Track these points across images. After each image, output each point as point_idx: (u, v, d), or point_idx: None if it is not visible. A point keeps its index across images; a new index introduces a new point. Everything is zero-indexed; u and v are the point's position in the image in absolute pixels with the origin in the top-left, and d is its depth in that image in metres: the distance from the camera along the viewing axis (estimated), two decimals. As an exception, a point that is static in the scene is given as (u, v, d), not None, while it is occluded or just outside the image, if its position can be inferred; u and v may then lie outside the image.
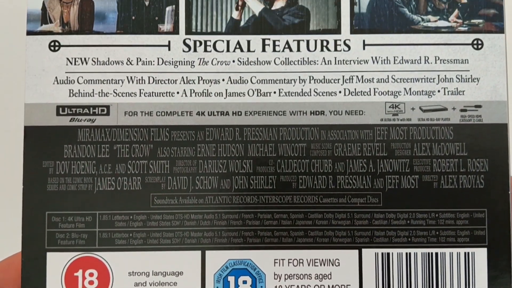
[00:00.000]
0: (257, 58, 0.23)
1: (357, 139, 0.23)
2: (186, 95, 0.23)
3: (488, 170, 0.23)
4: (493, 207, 0.23)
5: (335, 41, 0.23)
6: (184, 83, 0.23)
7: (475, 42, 0.24)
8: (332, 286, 0.23)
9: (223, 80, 0.23)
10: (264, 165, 0.23)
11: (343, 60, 0.23)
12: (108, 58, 0.23)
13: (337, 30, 0.23)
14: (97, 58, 0.23)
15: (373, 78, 0.23)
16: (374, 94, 0.23)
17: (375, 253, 0.23)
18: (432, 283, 0.23)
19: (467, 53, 0.23)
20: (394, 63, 0.23)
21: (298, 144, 0.23)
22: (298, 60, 0.23)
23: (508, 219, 0.23)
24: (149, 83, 0.23)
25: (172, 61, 0.23)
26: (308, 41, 0.23)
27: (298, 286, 0.23)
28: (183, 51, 0.23)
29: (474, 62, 0.23)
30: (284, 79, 0.23)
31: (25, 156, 0.23)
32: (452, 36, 0.23)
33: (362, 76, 0.23)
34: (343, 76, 0.23)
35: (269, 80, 0.23)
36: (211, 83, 0.23)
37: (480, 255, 0.23)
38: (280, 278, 0.23)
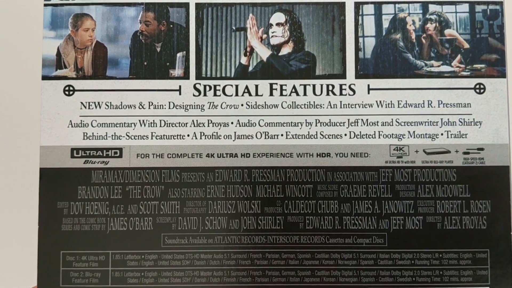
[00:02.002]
0: (265, 102, 0.25)
1: (362, 181, 0.24)
2: (196, 138, 0.25)
3: (491, 211, 0.24)
4: (495, 248, 0.24)
5: (341, 85, 0.25)
6: (194, 126, 0.25)
7: (477, 86, 0.25)
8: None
9: (232, 123, 0.25)
10: (272, 205, 0.24)
11: (348, 104, 0.25)
12: (121, 102, 0.25)
13: (343, 75, 0.25)
14: (110, 102, 0.25)
15: (377, 121, 0.25)
16: (379, 137, 0.25)
17: None
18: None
19: (469, 97, 0.25)
20: (398, 106, 0.25)
21: (305, 185, 0.24)
22: (304, 104, 0.25)
23: (510, 259, 0.24)
24: (160, 126, 0.25)
25: (183, 105, 0.25)
26: (314, 86, 0.25)
27: None
28: (194, 95, 0.25)
29: (477, 106, 0.25)
30: (291, 122, 0.25)
31: (40, 197, 0.24)
32: (455, 81, 0.25)
33: (367, 119, 0.25)
34: (349, 119, 0.25)
35: (276, 123, 0.25)
36: (221, 126, 0.25)
37: None
38: None
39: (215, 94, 0.25)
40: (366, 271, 0.24)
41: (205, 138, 0.25)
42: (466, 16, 0.25)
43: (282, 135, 0.25)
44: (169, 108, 0.25)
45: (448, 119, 0.25)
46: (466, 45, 0.25)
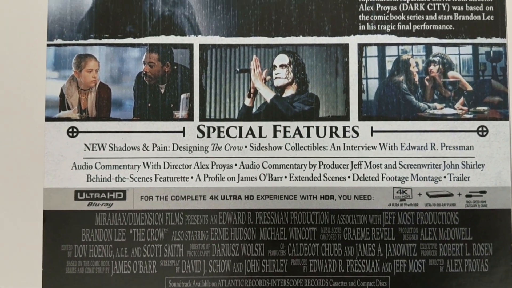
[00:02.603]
0: (269, 144, 0.25)
1: (366, 224, 0.25)
2: (200, 180, 0.25)
3: (492, 254, 0.25)
4: None
5: (344, 127, 0.25)
6: (198, 168, 0.25)
7: (480, 129, 0.25)
8: None
9: (236, 165, 0.25)
10: (275, 248, 0.25)
11: (352, 146, 0.25)
12: (125, 144, 0.25)
13: (346, 117, 0.25)
14: (114, 144, 0.25)
15: (381, 164, 0.25)
16: (382, 180, 0.25)
17: None
18: None
19: (472, 139, 0.25)
20: (401, 149, 0.25)
21: (309, 228, 0.25)
22: (308, 146, 0.25)
23: None
24: (164, 168, 0.25)
25: (187, 147, 0.25)
26: (317, 127, 0.25)
27: None
28: (197, 137, 0.25)
29: (479, 148, 0.25)
30: (295, 164, 0.25)
31: (44, 240, 0.24)
32: (458, 123, 0.25)
33: (370, 162, 0.25)
34: (352, 162, 0.25)
35: (280, 165, 0.25)
36: (224, 168, 0.25)
37: None
38: None
39: (219, 136, 0.25)
40: None
41: (209, 180, 0.25)
42: (469, 58, 0.26)
43: (285, 177, 0.25)
44: (173, 149, 0.25)
45: (451, 161, 0.25)
46: (469, 87, 0.26)
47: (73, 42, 0.25)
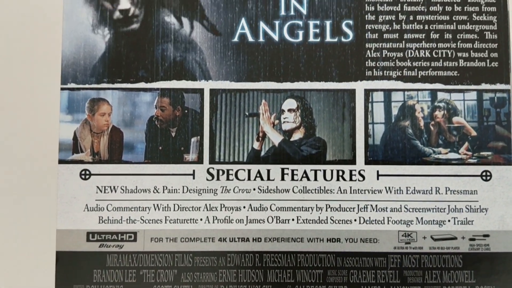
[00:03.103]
0: (276, 187, 0.26)
1: (371, 266, 0.25)
2: (209, 222, 0.25)
3: None
4: None
5: (351, 171, 0.26)
6: (207, 210, 0.26)
7: (484, 173, 0.26)
8: None
9: (244, 207, 0.26)
10: None
11: (358, 190, 0.26)
12: (136, 187, 0.25)
13: (352, 161, 0.26)
14: (126, 187, 0.25)
15: (386, 207, 0.26)
16: (388, 223, 0.26)
17: None
18: None
19: (476, 184, 0.26)
20: (407, 193, 0.26)
21: (315, 271, 0.25)
22: (315, 189, 0.26)
23: None
24: (174, 210, 0.25)
25: (196, 189, 0.26)
26: (324, 171, 0.26)
27: None
28: (207, 179, 0.26)
29: (483, 193, 0.26)
30: (302, 207, 0.26)
31: (56, 280, 0.25)
32: (462, 168, 0.26)
33: (376, 205, 0.26)
34: (358, 205, 0.26)
35: (287, 207, 0.26)
36: (233, 210, 0.26)
37: None
38: None
39: (228, 179, 0.26)
40: None
41: (218, 222, 0.26)
42: (473, 104, 0.26)
43: (293, 219, 0.26)
44: (183, 192, 0.26)
45: (455, 206, 0.26)
46: (474, 133, 0.26)
47: (87, 86, 0.26)
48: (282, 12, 0.27)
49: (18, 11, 0.27)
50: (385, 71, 0.26)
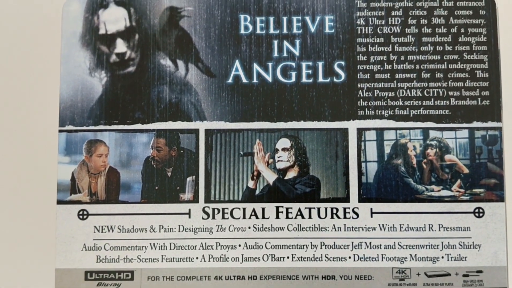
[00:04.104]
0: (271, 225, 0.27)
1: None
2: (204, 260, 0.26)
3: None
4: None
5: (344, 209, 0.27)
6: (203, 248, 0.26)
7: (476, 210, 0.27)
8: None
9: (240, 245, 0.26)
10: None
11: (352, 227, 0.27)
12: (133, 226, 0.26)
13: (346, 199, 0.27)
14: (123, 226, 0.26)
15: (380, 245, 0.26)
16: (382, 260, 0.26)
17: None
18: None
19: (469, 221, 0.27)
20: (400, 230, 0.27)
21: None
22: (309, 227, 0.27)
23: None
24: (170, 249, 0.26)
25: (192, 228, 0.27)
26: (319, 209, 0.27)
27: None
28: (202, 218, 0.27)
29: (476, 229, 0.26)
30: (297, 245, 0.27)
31: None
32: (455, 205, 0.27)
33: (370, 242, 0.26)
34: (352, 242, 0.26)
35: (282, 245, 0.27)
36: (228, 248, 0.26)
37: None
38: None
39: (223, 217, 0.27)
40: None
41: (213, 261, 0.27)
42: (465, 142, 0.27)
43: (288, 257, 0.27)
44: (179, 231, 0.27)
45: (448, 242, 0.27)
46: (466, 170, 0.27)
47: (84, 128, 0.27)
48: (275, 54, 0.28)
49: (17, 54, 0.28)
50: (377, 110, 0.27)
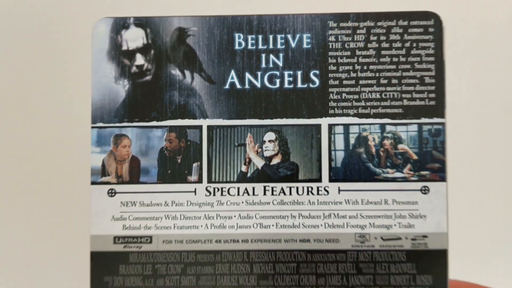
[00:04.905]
0: (260, 200, 0.34)
1: (334, 260, 0.34)
2: (207, 228, 0.34)
3: (432, 283, 0.34)
4: None
5: (318, 187, 0.34)
6: (206, 219, 0.34)
7: (423, 188, 0.34)
8: None
9: (235, 216, 0.34)
10: (265, 279, 0.34)
11: (324, 202, 0.34)
12: (151, 201, 0.34)
13: (319, 180, 0.34)
14: (143, 201, 0.34)
15: (346, 215, 0.34)
16: (347, 227, 0.34)
17: None
18: None
19: (416, 196, 0.34)
20: (362, 204, 0.34)
21: (290, 264, 0.34)
22: (290, 202, 0.34)
23: None
24: (180, 219, 0.34)
25: (197, 203, 0.34)
26: (297, 188, 0.34)
27: None
28: (205, 195, 0.34)
29: (422, 203, 0.34)
30: (280, 216, 0.34)
31: (91, 273, 0.34)
32: (406, 184, 0.34)
33: (338, 214, 0.34)
34: (324, 213, 0.34)
35: (268, 216, 0.34)
36: (226, 218, 0.34)
37: None
38: None
39: (221, 194, 0.35)
40: None
41: (214, 228, 0.35)
42: (415, 134, 0.35)
43: (273, 225, 0.35)
44: (187, 205, 0.35)
45: (400, 213, 0.35)
46: (415, 157, 0.35)
47: (111, 124, 0.35)
48: (263, 65, 0.35)
49: (58, 67, 0.36)
50: (344, 110, 0.35)
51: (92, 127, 0.36)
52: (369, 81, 0.36)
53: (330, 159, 0.36)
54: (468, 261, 0.37)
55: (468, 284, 0.38)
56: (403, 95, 0.36)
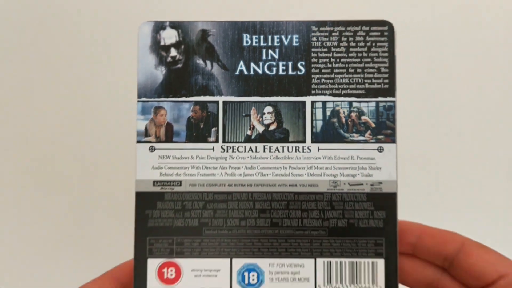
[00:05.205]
0: (260, 156, 0.48)
1: (314, 200, 0.48)
2: (222, 175, 0.48)
3: (385, 217, 0.47)
4: (388, 237, 0.47)
5: (303, 147, 0.48)
6: (221, 169, 0.48)
7: (379, 148, 0.48)
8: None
9: (242, 167, 0.48)
10: (263, 213, 0.48)
11: (307, 157, 0.48)
12: (181, 155, 0.48)
13: (304, 141, 0.48)
14: (175, 155, 0.48)
15: (323, 167, 0.48)
16: (323, 176, 0.48)
17: (324, 261, 0.47)
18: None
19: (374, 154, 0.48)
20: (334, 159, 0.48)
21: (282, 202, 0.48)
22: (282, 157, 0.48)
23: (396, 243, 0.47)
24: (202, 169, 0.48)
25: (215, 157, 0.48)
26: (288, 147, 0.48)
27: (280, 277, 0.47)
28: (221, 152, 0.48)
29: (378, 159, 0.48)
30: (275, 167, 0.48)
31: (136, 208, 0.47)
32: (366, 145, 0.48)
33: (317, 166, 0.48)
34: (307, 166, 0.48)
35: (266, 167, 0.48)
36: (235, 169, 0.48)
37: (380, 264, 0.47)
38: (272, 273, 0.47)
39: (232, 151, 0.48)
40: (315, 244, 0.47)
41: (227, 176, 0.48)
42: (373, 109, 0.48)
43: (270, 174, 0.48)
44: (207, 159, 0.48)
45: (362, 166, 0.48)
46: (373, 125, 0.48)
47: (152, 99, 0.48)
48: (264, 57, 0.49)
49: (115, 59, 0.49)
50: (322, 91, 0.49)
51: (138, 101, 0.49)
52: (341, 70, 0.49)
53: (312, 126, 0.49)
54: (413, 202, 0.50)
55: (412, 223, 0.51)
56: (365, 81, 0.49)
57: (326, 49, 0.50)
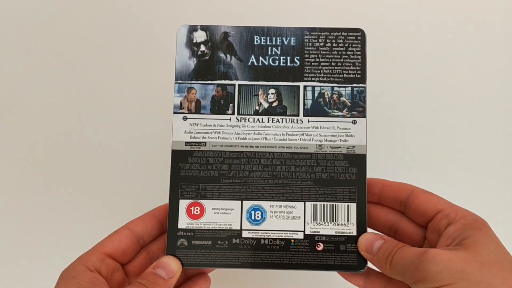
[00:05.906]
0: (265, 125, 0.66)
1: (304, 158, 0.65)
2: (236, 139, 0.65)
3: (357, 172, 0.65)
4: (359, 187, 0.64)
5: (297, 119, 0.66)
6: (236, 134, 0.66)
7: (353, 121, 0.66)
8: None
9: (252, 133, 0.65)
10: (267, 167, 0.65)
11: (300, 127, 0.66)
12: (206, 123, 0.65)
13: (298, 115, 0.65)
14: (201, 123, 0.66)
15: (311, 134, 0.66)
16: (312, 141, 0.65)
17: (311, 204, 0.64)
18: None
19: (350, 125, 0.66)
20: (320, 129, 0.65)
21: (281, 159, 0.65)
22: (282, 126, 0.66)
23: (365, 191, 0.64)
24: (221, 134, 0.66)
25: (231, 125, 0.66)
26: (286, 119, 0.66)
27: (278, 215, 0.63)
28: (235, 121, 0.66)
29: (352, 129, 0.66)
30: (276, 133, 0.66)
31: (171, 162, 0.65)
32: (344, 119, 0.66)
33: (307, 133, 0.65)
34: (300, 133, 0.66)
35: (270, 134, 0.66)
36: (246, 134, 0.65)
37: (353, 207, 0.64)
38: (272, 212, 0.64)
39: (245, 121, 0.66)
40: (304, 189, 0.64)
41: (240, 139, 0.66)
42: (349, 92, 0.66)
43: (272, 139, 0.66)
44: (225, 126, 0.66)
45: (340, 134, 0.66)
46: (349, 104, 0.67)
47: (186, 82, 0.66)
48: (269, 53, 0.67)
49: (160, 54, 0.68)
50: (312, 78, 0.67)
51: (175, 83, 0.67)
52: (326, 63, 0.67)
53: (304, 104, 0.67)
54: (379, 162, 0.67)
55: (377, 178, 0.68)
56: (344, 71, 0.67)
57: (315, 48, 0.68)
